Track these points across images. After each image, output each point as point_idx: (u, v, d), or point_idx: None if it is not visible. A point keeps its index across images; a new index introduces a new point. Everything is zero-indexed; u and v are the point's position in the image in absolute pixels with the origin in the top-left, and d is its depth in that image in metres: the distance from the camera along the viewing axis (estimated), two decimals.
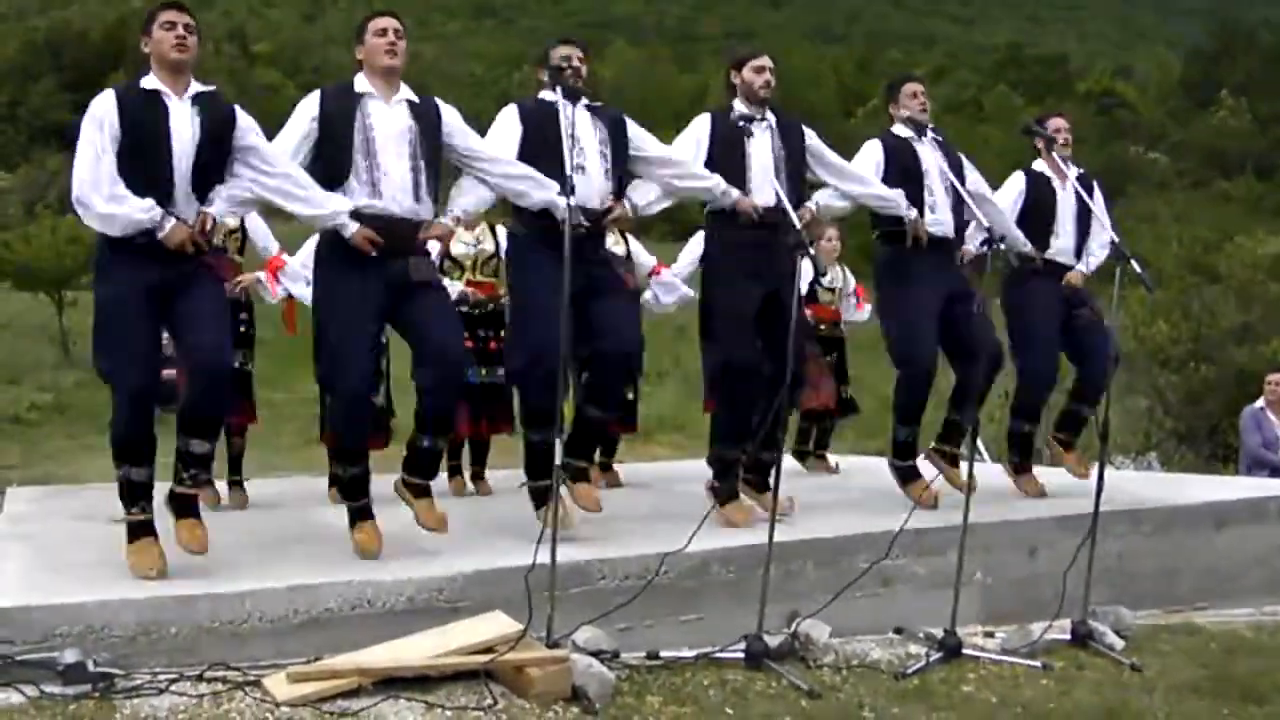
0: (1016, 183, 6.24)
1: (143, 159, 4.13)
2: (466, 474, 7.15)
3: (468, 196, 4.83)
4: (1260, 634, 5.20)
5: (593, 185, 4.94)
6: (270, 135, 4.53)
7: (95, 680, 3.55)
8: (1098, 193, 6.07)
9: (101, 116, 4.13)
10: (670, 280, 7.50)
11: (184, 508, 4.50)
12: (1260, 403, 9.71)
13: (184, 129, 4.20)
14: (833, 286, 8.06)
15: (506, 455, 7.30)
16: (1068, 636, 4.77)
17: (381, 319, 4.69)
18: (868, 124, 55.44)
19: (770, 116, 5.34)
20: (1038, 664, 4.49)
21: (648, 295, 7.54)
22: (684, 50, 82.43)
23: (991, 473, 7.90)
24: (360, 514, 4.72)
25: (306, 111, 4.60)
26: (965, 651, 4.52)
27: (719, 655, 4.24)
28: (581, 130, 4.95)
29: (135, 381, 4.37)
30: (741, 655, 4.22)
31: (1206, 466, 11.73)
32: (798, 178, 5.31)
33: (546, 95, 5.04)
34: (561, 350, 4.22)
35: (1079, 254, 6.15)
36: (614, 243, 7.30)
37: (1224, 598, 5.80)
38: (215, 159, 4.29)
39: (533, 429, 4.98)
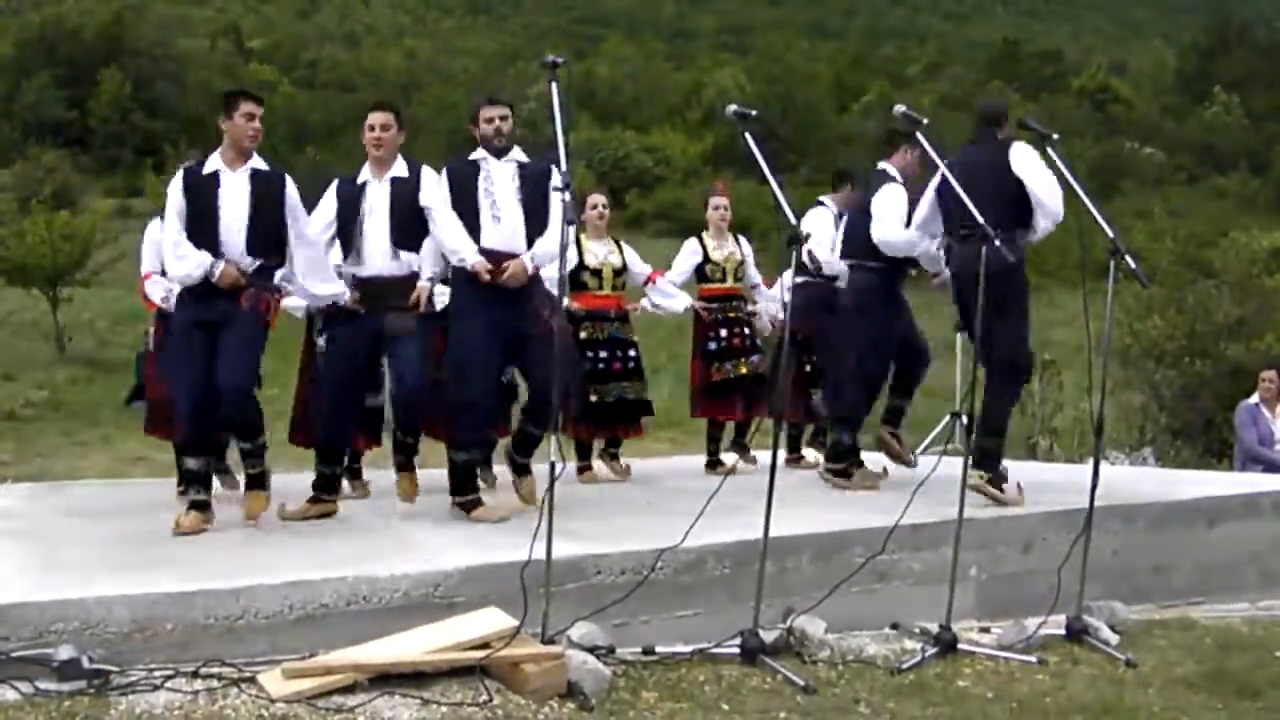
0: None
1: (199, 224, 5.23)
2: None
3: (429, 259, 5.65)
4: (1255, 629, 5.21)
5: (505, 235, 5.54)
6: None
7: (90, 677, 3.55)
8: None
9: (172, 193, 5.31)
10: (670, 290, 7.63)
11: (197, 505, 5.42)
12: (1255, 398, 9.72)
13: (235, 199, 5.25)
14: None
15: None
16: (1063, 632, 4.77)
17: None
18: (862, 120, 55.57)
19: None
20: (1033, 659, 4.49)
21: (644, 303, 7.61)
22: (679, 46, 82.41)
23: None
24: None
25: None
26: (960, 647, 4.52)
27: (715, 651, 4.24)
28: (500, 189, 5.56)
29: (192, 398, 5.28)
30: (737, 651, 4.23)
31: (1201, 462, 11.74)
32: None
33: (478, 153, 5.68)
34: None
35: None
36: (610, 251, 7.35)
37: (1219, 593, 5.82)
38: (267, 222, 5.29)
39: (456, 450, 5.68)
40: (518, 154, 5.67)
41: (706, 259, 7.76)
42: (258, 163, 5.37)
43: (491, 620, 3.94)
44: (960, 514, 4.64)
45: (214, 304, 5.21)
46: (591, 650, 3.98)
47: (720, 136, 50.48)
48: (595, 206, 7.38)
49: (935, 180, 6.08)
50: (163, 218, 5.68)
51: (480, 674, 3.77)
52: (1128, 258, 4.99)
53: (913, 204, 6.46)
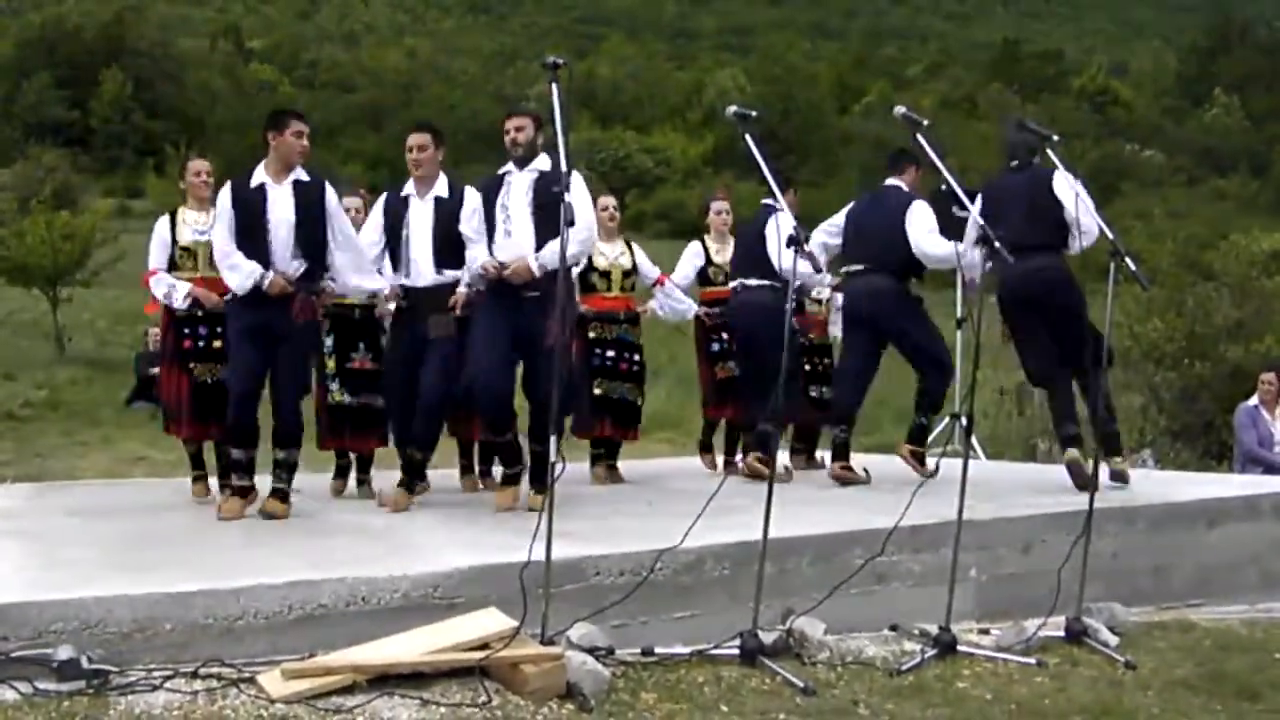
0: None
1: (248, 235, 5.62)
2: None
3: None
4: (1254, 631, 5.21)
5: (517, 247, 5.70)
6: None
7: (89, 677, 3.55)
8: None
9: (221, 205, 5.74)
10: (677, 295, 7.70)
11: (239, 491, 5.81)
12: (1254, 400, 9.73)
13: (281, 209, 5.64)
14: (820, 298, 8.14)
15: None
16: (1062, 633, 4.77)
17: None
18: (863, 120, 55.62)
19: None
20: (1032, 661, 4.49)
21: (653, 304, 7.64)
22: (680, 47, 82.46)
23: (986, 469, 7.92)
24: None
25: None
26: (960, 648, 4.52)
27: (714, 652, 4.24)
28: (515, 200, 5.76)
29: (239, 389, 5.72)
30: (736, 652, 4.22)
31: (1201, 464, 11.74)
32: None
33: (506, 165, 5.89)
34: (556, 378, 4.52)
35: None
36: (620, 253, 7.37)
37: (1218, 595, 5.81)
38: (310, 229, 5.67)
39: (492, 434, 6.03)
40: (541, 162, 5.75)
41: (709, 262, 7.80)
42: (299, 173, 5.72)
43: (491, 621, 3.94)
44: (960, 515, 4.64)
45: (264, 311, 5.63)
46: (591, 651, 3.98)
47: (721, 137, 50.54)
48: (606, 209, 7.34)
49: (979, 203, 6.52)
50: (170, 215, 6.30)
51: (479, 675, 3.76)
52: (1127, 260, 4.99)
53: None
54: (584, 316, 7.21)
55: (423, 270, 5.94)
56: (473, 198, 5.91)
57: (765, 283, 7.07)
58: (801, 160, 48.76)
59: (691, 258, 7.86)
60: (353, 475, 6.97)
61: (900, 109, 5.32)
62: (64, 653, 3.57)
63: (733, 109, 4.87)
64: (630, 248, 7.56)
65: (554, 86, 4.75)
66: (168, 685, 3.60)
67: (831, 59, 71.40)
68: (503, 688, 3.76)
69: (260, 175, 5.71)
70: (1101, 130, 58.71)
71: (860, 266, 6.96)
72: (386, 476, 6.56)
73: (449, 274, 5.93)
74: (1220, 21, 73.67)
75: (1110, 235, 4.95)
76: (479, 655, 3.80)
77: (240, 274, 5.63)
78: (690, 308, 7.75)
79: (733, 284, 7.35)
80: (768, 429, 6.73)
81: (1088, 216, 6.06)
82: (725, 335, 7.71)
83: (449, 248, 5.89)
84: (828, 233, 7.20)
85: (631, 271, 7.49)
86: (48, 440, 13.54)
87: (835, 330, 8.05)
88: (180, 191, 6.70)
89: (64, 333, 19.68)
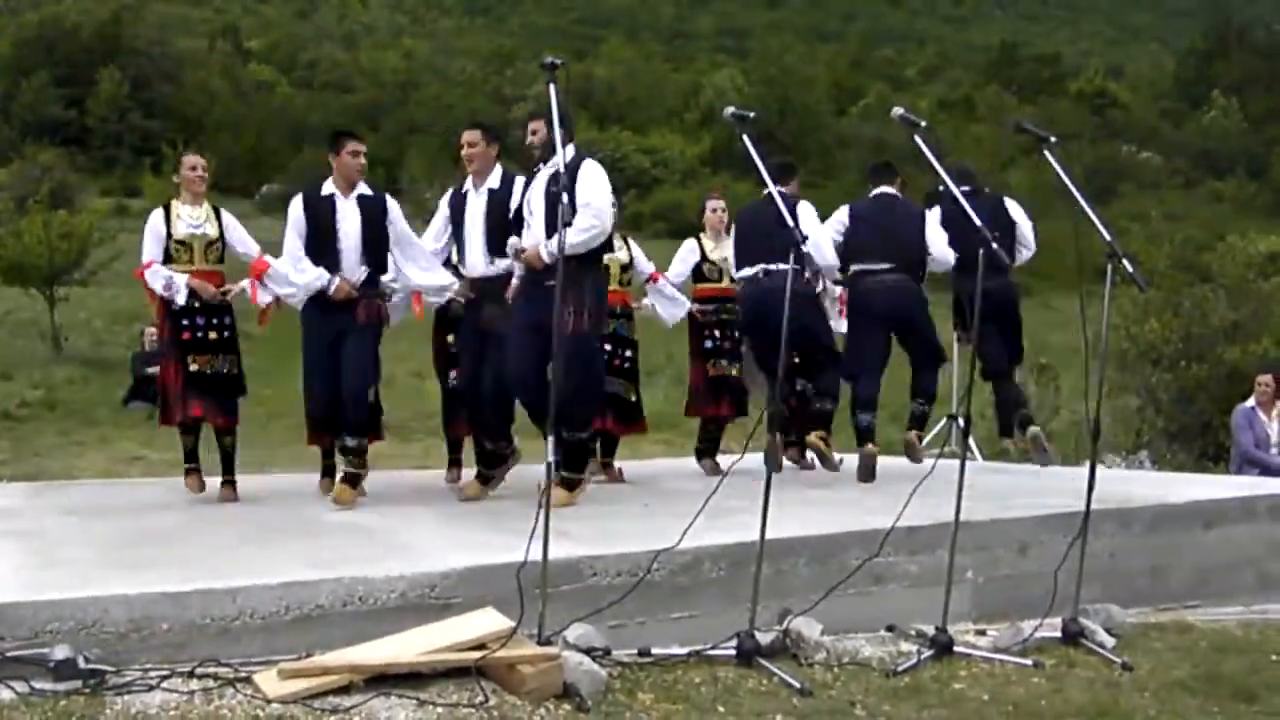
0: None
1: (318, 242, 6.10)
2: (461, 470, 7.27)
3: None
4: (1250, 632, 5.22)
5: (534, 238, 5.90)
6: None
7: (86, 677, 3.55)
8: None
9: (292, 212, 6.21)
10: (671, 292, 7.73)
11: (351, 480, 6.14)
12: (1251, 401, 9.74)
13: (349, 220, 6.11)
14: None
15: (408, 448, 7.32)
16: (1059, 634, 4.77)
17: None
18: (860, 122, 55.63)
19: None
20: (1029, 662, 4.49)
21: (646, 301, 7.65)
22: (677, 48, 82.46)
23: (983, 471, 7.93)
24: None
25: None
26: (956, 649, 4.52)
27: (711, 652, 4.24)
28: (535, 195, 5.97)
29: (315, 387, 6.17)
30: (733, 653, 4.23)
31: (1198, 465, 11.75)
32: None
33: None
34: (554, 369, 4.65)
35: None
36: (618, 248, 7.38)
37: (1215, 596, 5.82)
38: (374, 238, 6.15)
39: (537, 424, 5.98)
40: (561, 159, 5.72)
41: (704, 258, 7.83)
42: (363, 188, 6.22)
43: (488, 621, 3.94)
44: (957, 517, 4.64)
45: (332, 313, 6.09)
46: (587, 652, 3.98)
47: (718, 138, 50.52)
48: None
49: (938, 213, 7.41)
50: (165, 209, 6.48)
51: (476, 675, 3.76)
52: (1125, 261, 4.99)
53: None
54: None
55: (476, 261, 6.25)
56: (520, 187, 6.17)
57: (784, 268, 7.07)
58: (799, 162, 48.76)
59: (686, 255, 7.89)
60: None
61: (898, 110, 5.32)
62: (60, 652, 3.57)
63: (730, 110, 4.87)
64: (627, 243, 7.59)
65: (551, 87, 4.76)
66: (164, 685, 3.60)
67: (829, 61, 71.40)
68: (499, 688, 3.76)
69: (329, 187, 6.18)
70: (1099, 132, 58.75)
71: (885, 265, 7.17)
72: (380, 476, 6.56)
73: (500, 264, 6.19)
74: (1218, 24, 73.72)
75: (1108, 237, 4.95)
76: (476, 655, 3.80)
77: (307, 277, 6.09)
78: (684, 305, 7.77)
79: (749, 271, 7.19)
80: (828, 407, 7.29)
81: (1031, 229, 7.64)
82: (719, 333, 7.75)
83: (500, 238, 6.15)
84: (836, 230, 7.32)
85: (628, 266, 7.53)
86: (44, 440, 13.52)
87: (840, 325, 8.02)
88: (174, 185, 6.71)
89: (61, 332, 19.64)
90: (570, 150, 5.79)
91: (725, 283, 7.80)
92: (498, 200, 6.21)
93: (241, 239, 6.68)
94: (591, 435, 6.11)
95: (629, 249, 7.55)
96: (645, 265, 7.65)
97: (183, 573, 4.09)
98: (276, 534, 5.23)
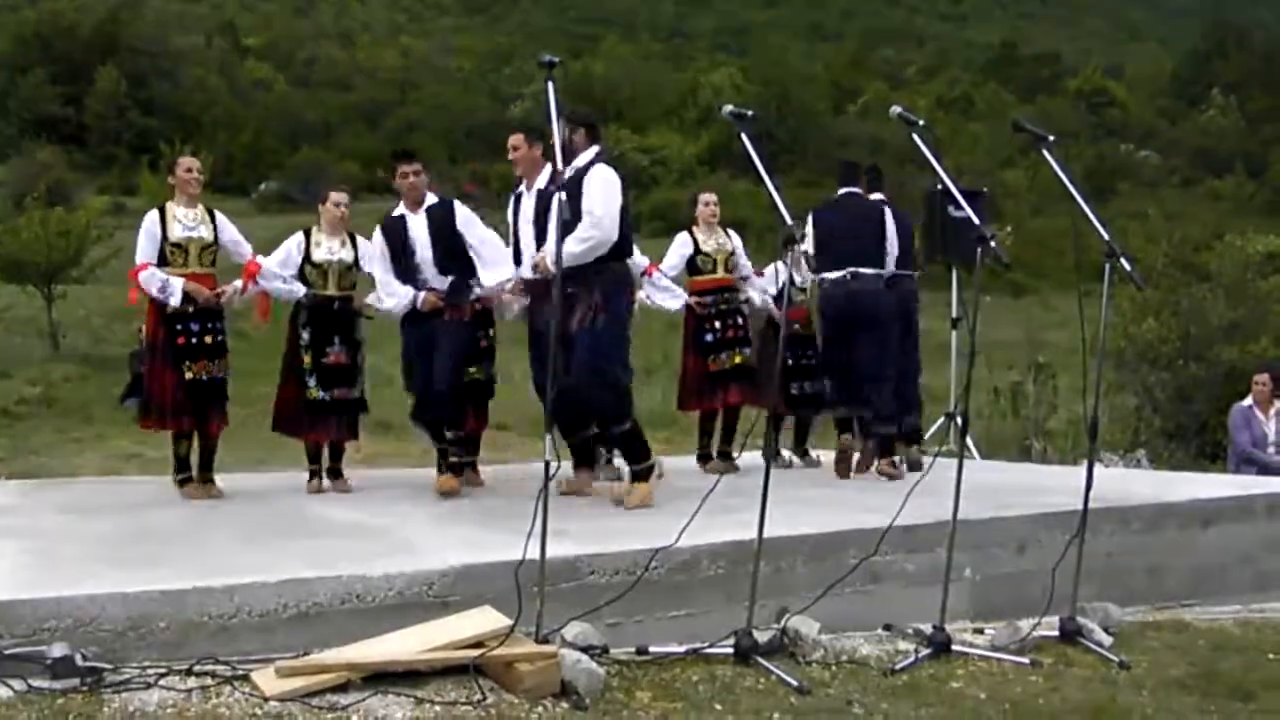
0: None
1: (398, 261, 6.49)
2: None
3: None
4: (1247, 631, 5.22)
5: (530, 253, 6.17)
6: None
7: (83, 674, 3.54)
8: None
9: (375, 240, 6.60)
10: (665, 284, 7.70)
11: (454, 469, 6.58)
12: (1249, 401, 9.75)
13: (420, 235, 6.45)
14: (805, 287, 8.14)
15: (504, 451, 7.34)
16: (1056, 633, 4.77)
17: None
18: (859, 121, 55.63)
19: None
20: (1026, 660, 4.49)
21: (642, 295, 7.61)
22: (676, 46, 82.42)
23: (981, 469, 7.93)
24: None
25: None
26: (954, 648, 4.52)
27: (708, 651, 4.24)
28: (524, 212, 6.29)
29: (416, 387, 6.56)
30: (731, 651, 4.22)
31: (1195, 464, 11.75)
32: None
33: None
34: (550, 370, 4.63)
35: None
36: None
37: (1212, 595, 5.82)
38: (447, 246, 6.41)
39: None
40: (579, 161, 5.97)
41: (698, 251, 7.83)
42: (430, 199, 6.51)
43: (485, 619, 3.94)
44: (954, 515, 4.64)
45: (425, 324, 6.43)
46: (585, 650, 3.97)
47: (717, 137, 50.52)
48: None
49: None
50: (160, 211, 6.50)
51: (474, 673, 3.76)
52: (1123, 260, 4.99)
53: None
54: None
55: (527, 261, 6.32)
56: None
57: (878, 271, 7.40)
58: (798, 160, 48.77)
59: (679, 248, 7.88)
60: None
61: (896, 108, 5.32)
62: (58, 650, 3.56)
63: (729, 109, 4.87)
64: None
65: (549, 85, 4.75)
66: (162, 683, 3.59)
67: (828, 59, 71.40)
68: (497, 686, 3.76)
69: (400, 208, 6.55)
70: (1097, 131, 58.82)
71: (870, 270, 7.37)
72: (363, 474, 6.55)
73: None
74: (1217, 24, 73.75)
75: (1106, 236, 4.95)
76: (474, 654, 3.79)
77: (396, 299, 6.48)
78: (680, 296, 7.75)
79: (836, 274, 7.40)
80: (891, 431, 7.44)
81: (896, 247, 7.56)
82: (719, 324, 7.72)
83: (544, 238, 6.20)
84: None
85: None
86: (42, 437, 13.53)
87: None
88: (170, 188, 6.70)
89: (59, 330, 19.65)
90: (591, 152, 5.94)
91: (720, 273, 7.83)
92: (542, 202, 6.25)
93: (235, 241, 6.69)
94: (634, 424, 6.06)
95: None
96: (639, 259, 7.59)
97: (180, 571, 4.09)
98: (274, 532, 5.22)
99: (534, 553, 4.00)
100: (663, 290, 7.68)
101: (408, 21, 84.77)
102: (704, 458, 7.93)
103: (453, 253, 6.41)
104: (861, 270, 7.34)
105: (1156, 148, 59.76)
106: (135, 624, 3.73)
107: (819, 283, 7.59)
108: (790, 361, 8.06)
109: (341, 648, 3.80)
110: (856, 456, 7.40)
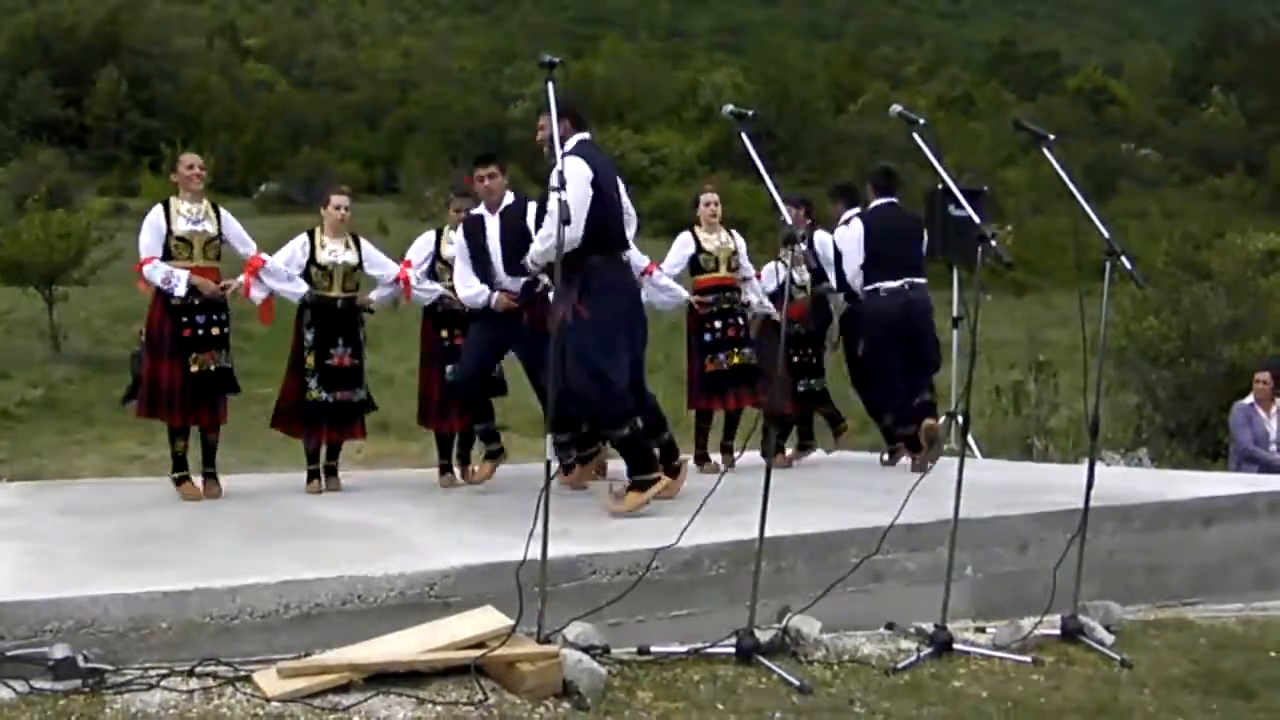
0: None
1: (476, 260, 6.60)
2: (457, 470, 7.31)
3: None
4: (1249, 629, 5.22)
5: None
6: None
7: (85, 676, 3.54)
8: None
9: (457, 239, 6.72)
10: (665, 283, 7.68)
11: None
12: (1250, 399, 9.74)
13: (493, 237, 6.56)
14: (804, 285, 8.17)
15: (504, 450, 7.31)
16: (1058, 632, 4.77)
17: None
18: (859, 120, 55.60)
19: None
20: (1028, 659, 4.49)
21: (643, 295, 7.53)
22: (676, 46, 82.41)
23: (982, 468, 7.92)
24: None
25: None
26: (956, 646, 4.52)
27: (710, 650, 4.24)
28: (490, 232, 6.58)
29: (466, 372, 6.68)
30: (732, 650, 4.22)
31: (1196, 462, 11.75)
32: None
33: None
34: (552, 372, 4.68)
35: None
36: None
37: (1214, 593, 5.82)
38: (520, 246, 6.15)
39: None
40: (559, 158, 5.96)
41: (700, 249, 7.84)
42: (508, 199, 6.61)
43: (487, 620, 3.94)
44: (956, 514, 4.64)
45: (498, 323, 6.53)
46: (587, 650, 3.97)
47: (717, 136, 50.50)
48: None
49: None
50: (164, 205, 6.53)
51: (476, 673, 3.76)
52: (1124, 259, 4.99)
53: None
54: None
55: (503, 279, 6.59)
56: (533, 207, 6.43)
57: (925, 280, 7.73)
58: (797, 159, 48.77)
59: (681, 247, 7.90)
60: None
61: (897, 107, 5.32)
62: (60, 651, 3.57)
63: (729, 108, 4.87)
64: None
65: (549, 85, 4.75)
66: (164, 684, 3.59)
67: (827, 58, 71.32)
68: (499, 686, 3.76)
69: (480, 208, 6.66)
70: (1097, 129, 58.76)
71: (922, 280, 7.72)
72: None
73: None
74: (1216, 22, 73.72)
75: (1106, 234, 4.95)
76: (475, 654, 3.80)
77: (470, 294, 6.57)
78: (680, 294, 7.75)
79: (893, 284, 7.63)
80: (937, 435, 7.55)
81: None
82: (719, 324, 7.75)
83: (518, 258, 6.33)
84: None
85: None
86: (43, 439, 13.54)
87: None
88: (173, 185, 6.73)
89: (60, 331, 19.66)
90: (572, 141, 5.73)
91: (723, 272, 7.84)
92: (511, 219, 6.49)
93: (239, 236, 6.74)
94: (633, 431, 5.71)
95: None
96: (639, 258, 7.43)
97: (182, 571, 4.09)
98: (275, 533, 5.23)
99: (535, 553, 4.00)
100: (662, 289, 7.66)
101: (408, 22, 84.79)
102: (701, 459, 7.93)
103: (520, 252, 6.24)
104: (916, 280, 7.58)
105: (1157, 146, 59.73)
106: (137, 625, 3.74)
107: (874, 292, 7.69)
108: (795, 359, 8.13)
109: (343, 648, 3.80)
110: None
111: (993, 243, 4.98)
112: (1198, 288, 14.03)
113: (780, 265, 7.98)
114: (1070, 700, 4.10)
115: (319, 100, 59.35)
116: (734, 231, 8.09)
